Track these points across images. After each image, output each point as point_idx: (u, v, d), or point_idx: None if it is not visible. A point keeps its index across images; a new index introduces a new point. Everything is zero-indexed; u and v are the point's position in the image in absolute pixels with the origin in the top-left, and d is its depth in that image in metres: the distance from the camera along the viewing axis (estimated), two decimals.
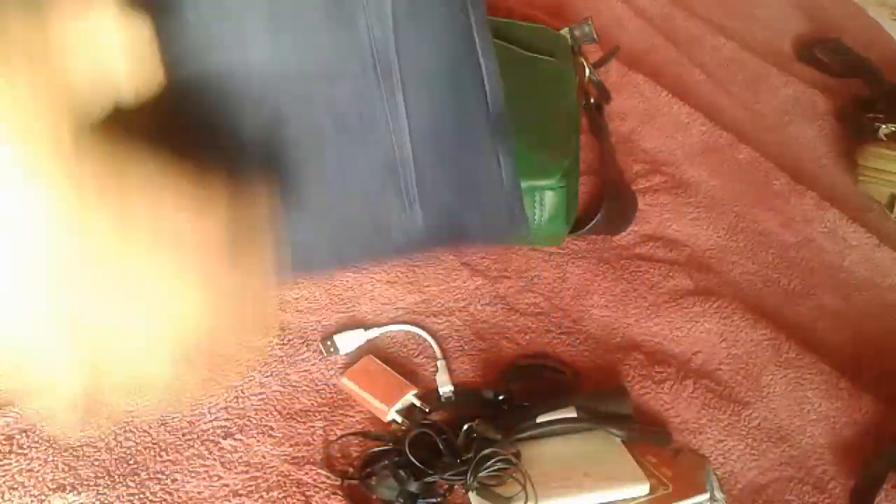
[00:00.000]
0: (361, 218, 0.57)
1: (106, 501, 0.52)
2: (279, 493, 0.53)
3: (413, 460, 0.53)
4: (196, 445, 0.55)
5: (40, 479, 0.52)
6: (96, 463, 0.54)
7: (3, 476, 0.52)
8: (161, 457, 0.54)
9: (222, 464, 0.54)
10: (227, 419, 0.57)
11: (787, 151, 0.87)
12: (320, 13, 0.50)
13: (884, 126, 0.83)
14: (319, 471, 0.55)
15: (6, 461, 0.53)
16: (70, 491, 0.52)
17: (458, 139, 0.58)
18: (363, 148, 0.54)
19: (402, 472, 0.52)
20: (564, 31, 0.83)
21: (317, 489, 0.54)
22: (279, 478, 0.54)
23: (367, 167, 0.55)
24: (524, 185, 0.66)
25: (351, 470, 0.55)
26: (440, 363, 0.62)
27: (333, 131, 0.53)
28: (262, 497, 0.53)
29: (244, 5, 0.50)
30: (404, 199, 0.57)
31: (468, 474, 0.52)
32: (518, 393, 0.59)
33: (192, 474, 0.54)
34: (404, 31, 0.52)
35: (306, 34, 0.51)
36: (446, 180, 0.58)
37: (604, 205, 0.74)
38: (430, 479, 0.52)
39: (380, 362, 0.61)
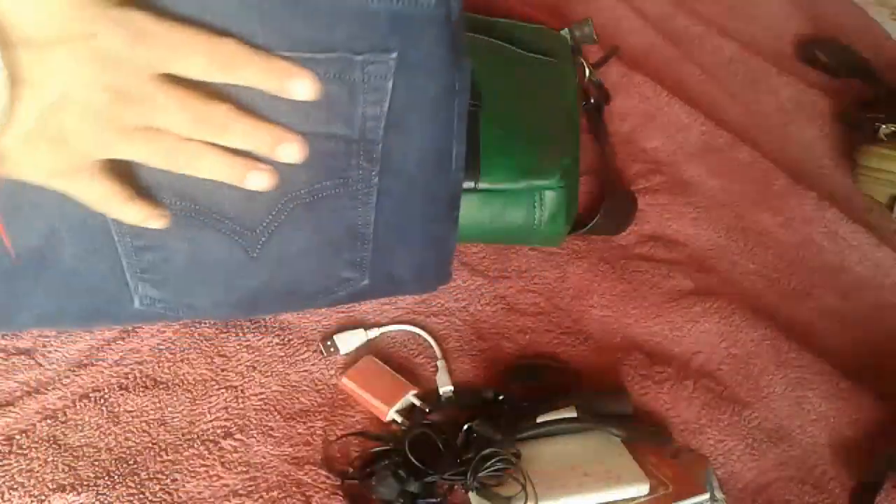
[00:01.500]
0: (312, 277, 0.57)
1: (106, 501, 0.52)
2: (279, 493, 0.53)
3: (413, 460, 0.53)
4: (196, 445, 0.55)
5: (40, 479, 0.52)
6: (96, 463, 0.54)
7: (3, 476, 0.52)
8: (161, 457, 0.54)
9: (222, 464, 0.54)
10: (227, 419, 0.57)
11: (787, 151, 0.87)
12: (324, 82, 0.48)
13: (884, 126, 0.82)
14: (319, 471, 0.55)
15: (6, 461, 0.53)
16: (70, 491, 0.52)
17: (419, 221, 0.58)
18: (329, 214, 0.54)
19: (402, 472, 0.52)
20: (564, 32, 0.83)
21: (317, 489, 0.54)
22: (279, 478, 0.54)
23: (328, 234, 0.55)
24: (524, 184, 0.67)
25: (351, 470, 0.55)
26: (440, 363, 0.62)
27: (306, 190, 0.52)
28: (262, 497, 0.53)
29: None
30: (356, 270, 0.58)
31: (468, 474, 0.52)
32: (518, 393, 0.59)
33: (192, 474, 0.54)
34: (394, 117, 0.51)
35: None
36: (399, 257, 0.59)
37: (604, 205, 0.74)
38: (430, 479, 0.52)
39: (380, 362, 0.61)
